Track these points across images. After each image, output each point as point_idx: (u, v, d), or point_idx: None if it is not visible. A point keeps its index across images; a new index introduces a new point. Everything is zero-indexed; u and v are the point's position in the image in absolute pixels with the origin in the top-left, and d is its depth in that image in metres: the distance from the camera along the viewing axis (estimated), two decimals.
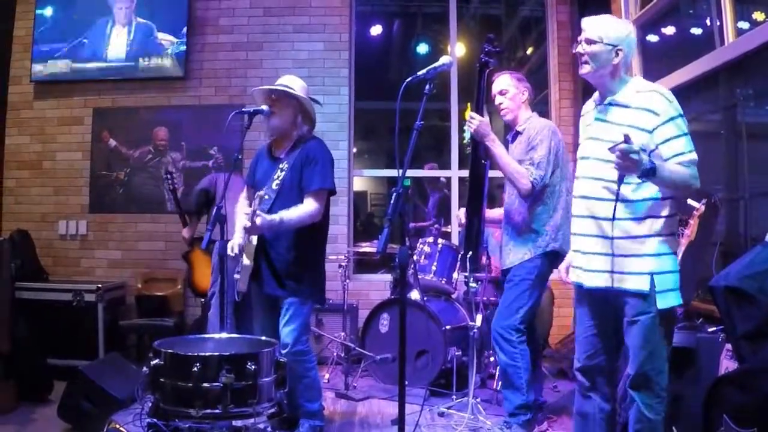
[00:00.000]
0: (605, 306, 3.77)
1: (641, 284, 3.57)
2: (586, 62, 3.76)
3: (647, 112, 3.56)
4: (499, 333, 5.10)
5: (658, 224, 3.59)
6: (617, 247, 3.61)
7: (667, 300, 3.57)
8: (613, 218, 3.57)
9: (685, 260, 4.55)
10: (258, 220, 4.37)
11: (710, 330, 4.46)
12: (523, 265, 5.13)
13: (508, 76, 5.33)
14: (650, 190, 3.58)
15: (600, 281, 3.71)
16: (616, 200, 3.55)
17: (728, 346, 3.94)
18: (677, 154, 3.49)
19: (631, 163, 3.30)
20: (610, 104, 3.75)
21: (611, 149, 3.36)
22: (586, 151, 3.84)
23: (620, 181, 3.50)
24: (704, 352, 4.25)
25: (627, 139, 3.29)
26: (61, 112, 8.68)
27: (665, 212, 3.61)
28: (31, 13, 8.62)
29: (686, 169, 3.47)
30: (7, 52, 8.71)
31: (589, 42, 3.74)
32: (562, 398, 6.22)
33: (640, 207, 3.60)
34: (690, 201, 4.65)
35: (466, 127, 5.01)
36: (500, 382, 5.44)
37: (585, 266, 3.82)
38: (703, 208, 4.64)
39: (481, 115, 4.96)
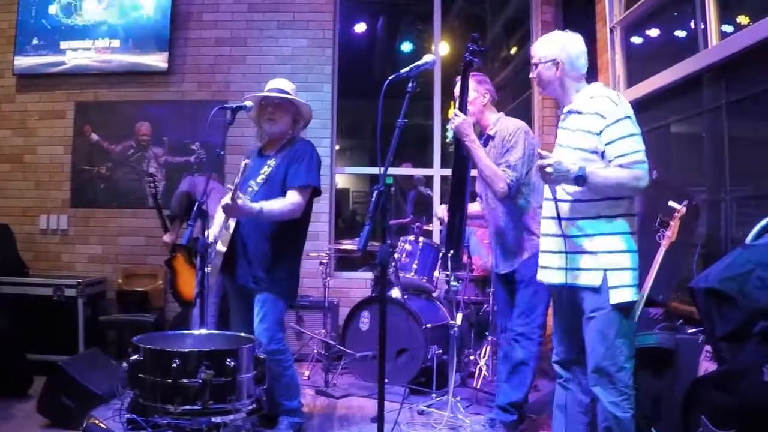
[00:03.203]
0: (567, 302, 3.87)
1: (593, 280, 3.68)
2: (538, 84, 4.07)
3: (596, 116, 3.70)
4: (522, 332, 5.10)
5: (613, 222, 3.71)
6: (571, 244, 3.74)
7: (621, 295, 3.65)
8: (558, 218, 3.74)
9: (665, 261, 4.58)
10: (239, 201, 4.37)
11: (690, 331, 4.49)
12: (528, 264, 5.03)
13: (474, 81, 5.25)
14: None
15: (556, 278, 3.84)
16: (555, 200, 3.74)
17: (708, 347, 3.96)
18: (619, 155, 3.60)
19: (548, 175, 3.54)
20: (569, 112, 3.91)
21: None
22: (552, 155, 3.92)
23: (551, 188, 3.73)
24: (684, 353, 4.28)
25: (540, 156, 3.55)
26: (43, 105, 8.65)
27: (620, 211, 3.72)
28: (15, 6, 8.58)
29: (627, 171, 3.58)
30: None
31: (534, 66, 4.01)
32: (542, 397, 6.23)
33: (594, 206, 3.72)
34: (671, 203, 4.67)
35: (448, 126, 5.01)
36: (503, 373, 5.32)
37: (545, 264, 3.96)
38: (684, 209, 4.66)
39: (465, 114, 4.95)
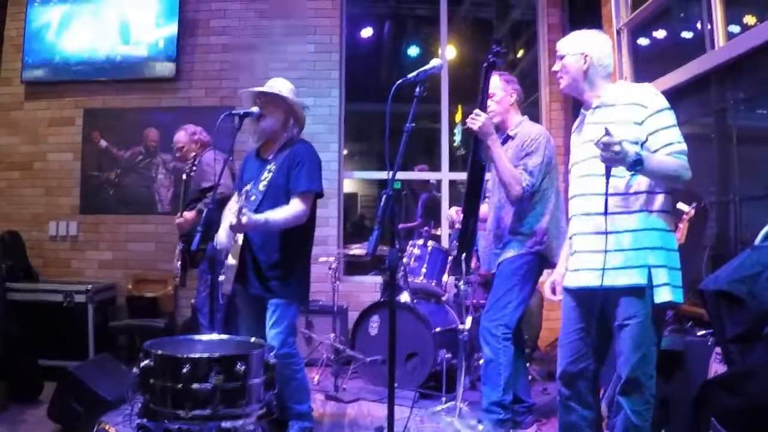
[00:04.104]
0: (593, 308, 3.75)
1: (636, 278, 3.55)
2: (561, 77, 3.95)
3: (635, 106, 3.62)
4: (486, 327, 5.08)
5: (653, 218, 3.60)
6: (611, 242, 3.59)
7: (663, 295, 3.53)
8: (606, 212, 3.56)
9: None
10: (243, 219, 4.35)
11: (700, 333, 4.47)
12: (512, 261, 5.10)
13: (497, 78, 5.24)
14: (643, 183, 3.60)
15: (590, 279, 3.69)
16: (606, 194, 3.55)
17: (718, 349, 3.94)
18: (666, 144, 3.52)
19: (614, 154, 3.34)
20: (599, 107, 3.81)
21: (596, 143, 3.39)
22: (579, 155, 3.87)
23: (607, 174, 3.51)
24: (693, 356, 4.27)
25: (607, 132, 3.34)
26: (51, 113, 8.69)
27: (660, 206, 3.62)
28: (22, 14, 8.62)
29: (676, 159, 3.50)
30: None
31: (560, 58, 3.93)
32: (551, 401, 6.21)
33: (634, 200, 3.62)
34: (680, 205, 4.65)
35: (463, 126, 5.00)
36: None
37: (578, 266, 3.81)
38: (693, 211, 4.65)
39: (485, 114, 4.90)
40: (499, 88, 5.22)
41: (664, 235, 3.62)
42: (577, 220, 3.86)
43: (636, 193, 3.62)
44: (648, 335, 3.58)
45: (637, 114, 3.60)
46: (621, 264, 3.59)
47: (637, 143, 3.54)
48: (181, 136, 6.83)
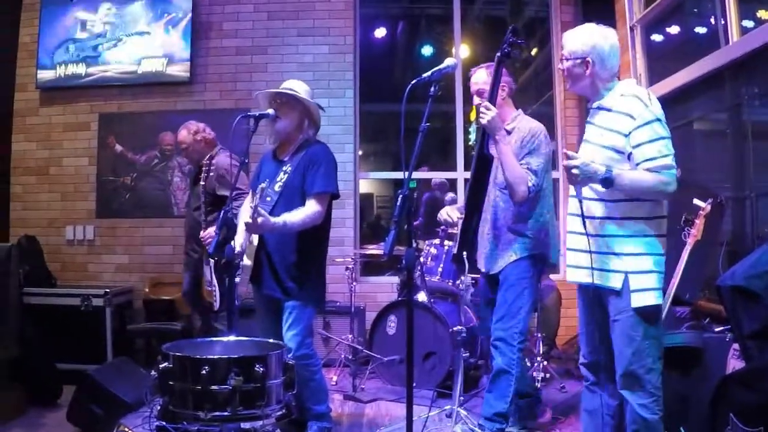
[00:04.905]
0: (596, 302, 3.80)
1: (614, 282, 3.62)
2: (566, 78, 3.89)
3: (625, 116, 3.59)
4: (501, 337, 4.92)
5: (638, 225, 3.61)
6: (596, 244, 3.66)
7: (643, 299, 3.56)
8: (582, 216, 3.62)
9: (692, 260, 4.56)
10: (259, 220, 4.36)
11: (717, 329, 4.47)
12: (516, 265, 4.96)
13: (485, 73, 5.05)
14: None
15: (582, 276, 3.78)
16: (580, 199, 3.65)
17: (736, 345, 3.94)
18: (647, 159, 3.50)
19: (573, 177, 3.45)
20: (599, 108, 3.79)
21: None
22: (579, 153, 3.84)
23: (576, 187, 3.64)
24: (711, 352, 4.26)
25: (567, 156, 3.44)
26: (66, 118, 8.73)
27: (644, 213, 3.62)
28: (36, 20, 8.66)
29: (655, 175, 3.47)
30: (12, 59, 8.74)
31: (565, 59, 3.82)
32: (569, 398, 6.21)
33: (619, 207, 3.63)
34: (696, 201, 4.65)
35: (471, 128, 4.94)
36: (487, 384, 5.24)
37: (572, 263, 3.87)
38: (709, 207, 4.63)
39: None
40: (488, 83, 4.88)
41: (650, 241, 3.62)
42: (572, 219, 3.88)
43: (621, 200, 3.63)
44: (639, 330, 3.60)
45: (625, 125, 3.58)
46: (600, 266, 3.66)
47: (622, 153, 3.58)
48: (184, 136, 6.70)
